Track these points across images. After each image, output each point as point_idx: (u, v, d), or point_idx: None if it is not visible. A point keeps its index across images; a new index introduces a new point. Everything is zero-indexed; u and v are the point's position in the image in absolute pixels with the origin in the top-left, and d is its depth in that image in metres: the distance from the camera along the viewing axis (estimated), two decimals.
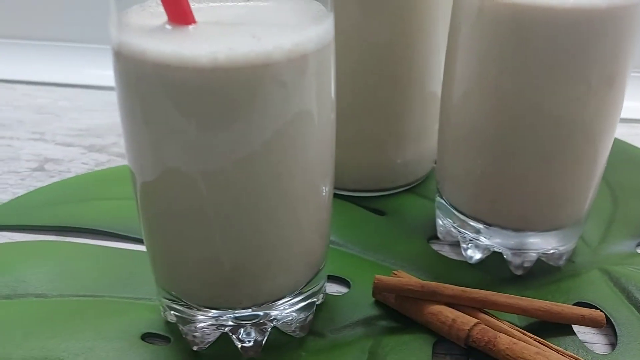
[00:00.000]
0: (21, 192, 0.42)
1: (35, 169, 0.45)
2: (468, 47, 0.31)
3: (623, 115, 0.55)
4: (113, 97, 0.59)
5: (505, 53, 0.29)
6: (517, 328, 0.29)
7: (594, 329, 0.31)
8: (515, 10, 0.27)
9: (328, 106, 0.27)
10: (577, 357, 0.27)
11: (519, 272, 0.34)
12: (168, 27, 0.24)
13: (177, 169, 0.24)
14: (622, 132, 0.52)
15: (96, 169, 0.46)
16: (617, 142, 0.49)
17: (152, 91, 0.23)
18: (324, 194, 0.28)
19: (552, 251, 0.34)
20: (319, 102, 0.25)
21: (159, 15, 0.24)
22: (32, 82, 0.61)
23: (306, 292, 0.30)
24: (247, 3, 0.27)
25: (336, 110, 0.38)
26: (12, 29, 0.64)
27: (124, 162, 0.47)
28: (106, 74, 0.58)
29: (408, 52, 0.38)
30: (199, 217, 0.25)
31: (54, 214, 0.39)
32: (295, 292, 0.29)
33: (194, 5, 0.25)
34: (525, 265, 0.34)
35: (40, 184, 0.43)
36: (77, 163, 0.46)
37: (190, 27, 0.24)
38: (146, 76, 0.22)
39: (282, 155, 0.24)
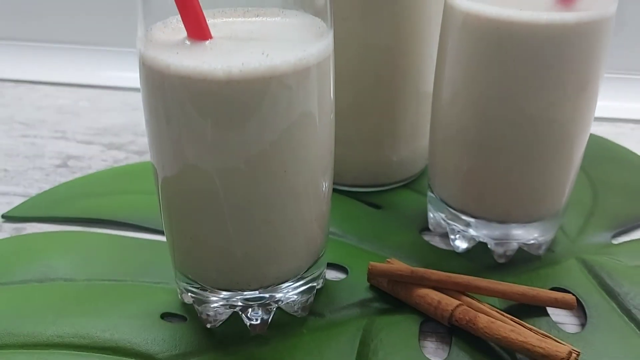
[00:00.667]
0: (47, 187, 0.46)
1: (58, 166, 0.49)
2: (455, 56, 0.34)
3: (609, 115, 0.58)
4: (130, 98, 0.63)
5: (488, 63, 0.32)
6: (495, 309, 0.33)
7: (566, 310, 0.34)
8: (495, 25, 0.31)
9: (328, 108, 0.30)
10: (548, 334, 0.31)
11: (501, 261, 0.38)
12: (188, 42, 0.27)
13: (195, 165, 0.28)
14: (607, 131, 0.55)
15: (114, 165, 0.49)
16: (602, 140, 0.53)
17: (174, 99, 0.26)
18: (324, 188, 0.32)
19: (532, 241, 0.37)
20: (320, 106, 0.29)
21: (180, 30, 0.28)
22: (54, 82, 0.64)
23: (307, 277, 0.33)
24: (257, 19, 0.30)
25: (336, 112, 0.42)
26: (35, 32, 0.68)
27: (140, 159, 0.50)
28: (123, 76, 0.63)
29: (403, 56, 0.41)
30: (213, 209, 0.29)
31: (78, 206, 0.43)
32: (298, 277, 0.33)
33: (210, 21, 0.29)
34: (508, 254, 0.38)
35: (63, 180, 0.47)
36: (97, 160, 0.50)
37: (207, 42, 0.27)
38: (170, 86, 0.26)
39: (287, 153, 0.28)
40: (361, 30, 0.40)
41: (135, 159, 0.50)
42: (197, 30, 0.27)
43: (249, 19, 0.30)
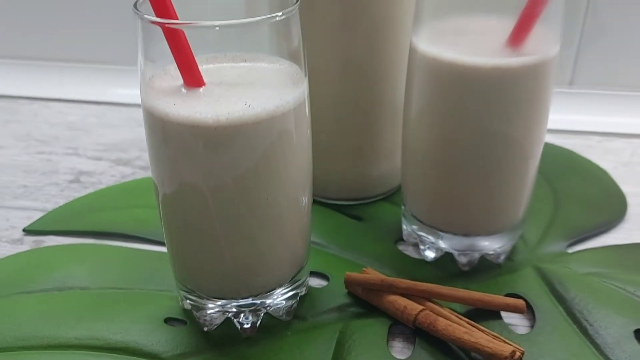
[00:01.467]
0: (62, 201, 0.51)
1: (71, 181, 0.54)
2: (419, 90, 0.39)
3: (578, 128, 0.63)
4: (135, 114, 0.68)
5: (446, 98, 0.37)
6: (454, 313, 0.37)
7: (517, 314, 0.39)
8: (450, 68, 0.35)
9: (305, 141, 0.35)
10: (498, 335, 0.35)
11: (465, 269, 0.42)
12: (184, 90, 0.32)
13: (189, 192, 0.32)
14: (576, 143, 0.60)
15: (122, 180, 0.54)
16: (568, 153, 0.57)
17: (172, 139, 0.31)
18: (303, 207, 0.37)
19: (492, 252, 0.42)
20: (297, 141, 0.33)
21: (177, 77, 0.33)
22: (64, 99, 0.69)
23: (292, 285, 0.38)
24: (244, 64, 0.35)
25: (320, 132, 0.47)
26: (47, 52, 0.73)
27: (145, 173, 0.55)
28: (128, 93, 0.68)
29: (380, 80, 0.46)
30: (206, 230, 0.34)
31: (91, 221, 0.48)
32: (283, 285, 0.37)
33: (203, 67, 0.34)
34: (471, 263, 0.42)
35: (77, 194, 0.52)
36: (107, 175, 0.55)
37: (201, 89, 0.32)
38: (168, 129, 0.31)
39: (267, 183, 0.33)
40: (339, 42, 0.44)
41: (141, 174, 0.55)
42: (192, 79, 0.32)
43: (237, 64, 0.35)
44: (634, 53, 0.63)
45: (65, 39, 0.72)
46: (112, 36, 0.70)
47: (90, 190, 0.53)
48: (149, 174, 0.55)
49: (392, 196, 0.51)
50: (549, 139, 0.60)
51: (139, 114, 0.65)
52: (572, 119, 0.62)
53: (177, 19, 0.31)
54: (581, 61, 0.64)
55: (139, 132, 0.62)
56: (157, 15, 0.31)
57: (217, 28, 0.30)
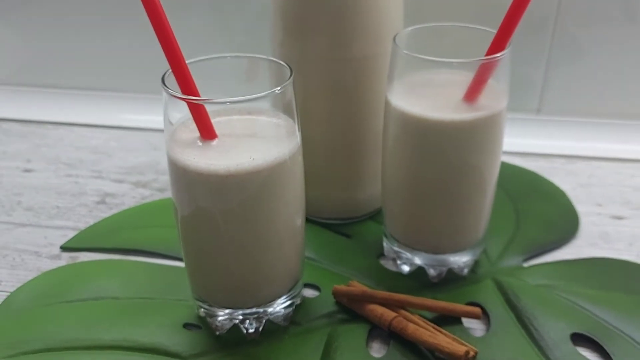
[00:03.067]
0: (91, 221, 0.59)
1: (98, 202, 0.62)
2: (392, 134, 0.46)
3: (546, 151, 0.70)
4: (151, 138, 0.77)
5: (414, 143, 0.45)
6: (423, 319, 0.45)
7: (476, 320, 0.46)
8: (416, 120, 0.43)
9: (298, 180, 0.42)
10: (457, 338, 0.43)
11: (435, 280, 0.50)
12: (200, 143, 0.40)
13: (204, 215, 0.40)
14: (541, 166, 0.67)
15: (142, 201, 0.62)
16: (533, 176, 0.65)
17: (191, 182, 0.39)
18: (298, 231, 0.44)
19: (457, 266, 0.50)
20: (292, 181, 0.41)
21: (195, 130, 0.40)
22: (87, 124, 0.77)
23: (289, 296, 0.46)
24: (248, 116, 0.42)
25: (313, 163, 0.54)
26: (71, 80, 0.81)
27: (162, 195, 0.63)
28: (144, 118, 0.76)
29: (364, 115, 0.53)
30: (218, 248, 0.41)
31: (118, 239, 0.56)
32: (282, 296, 0.45)
33: (215, 119, 0.42)
34: (439, 275, 0.50)
35: (103, 215, 0.60)
36: (128, 197, 0.63)
37: (214, 142, 0.40)
38: (188, 176, 0.39)
39: (270, 218, 0.40)
40: (328, 68, 0.50)
41: (158, 196, 0.63)
42: (207, 134, 0.40)
43: (243, 117, 0.43)
44: (600, 80, 0.70)
45: (87, 68, 0.80)
46: (130, 65, 0.78)
47: (115, 210, 0.61)
48: (165, 195, 0.63)
49: (377, 215, 0.59)
50: (516, 160, 0.68)
51: (153, 137, 0.75)
52: (538, 143, 0.70)
53: (197, 90, 0.39)
54: (548, 89, 0.71)
55: (154, 156, 0.70)
56: (181, 88, 0.39)
57: (228, 103, 0.38)
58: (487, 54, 0.41)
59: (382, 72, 0.50)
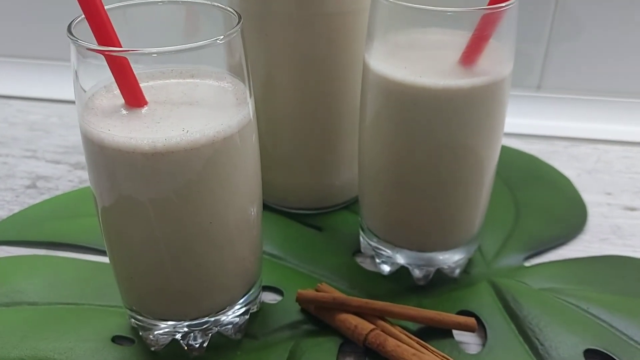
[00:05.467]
0: (17, 208, 0.50)
1: (28, 187, 0.53)
2: (371, 107, 0.38)
3: (544, 133, 0.62)
4: None
5: (397, 117, 0.36)
6: (405, 332, 0.37)
7: (469, 332, 0.38)
8: (401, 88, 0.35)
9: (251, 161, 0.34)
10: (447, 357, 0.35)
11: (421, 283, 0.42)
12: (124, 111, 0.31)
13: (130, 204, 0.31)
14: (541, 149, 0.59)
15: (80, 186, 0.53)
16: (533, 160, 0.57)
17: (109, 164, 0.30)
18: (251, 230, 0.36)
19: (446, 266, 0.42)
20: (243, 163, 0.33)
21: (118, 96, 0.31)
22: (27, 97, 0.68)
23: (242, 303, 0.38)
24: (191, 80, 0.34)
25: (280, 139, 0.46)
26: (8, 47, 0.71)
27: None
28: None
29: (341, 82, 0.45)
30: (150, 246, 0.32)
31: (44, 230, 0.47)
32: (233, 304, 0.37)
33: (149, 83, 0.33)
34: (426, 277, 0.42)
35: (32, 201, 0.51)
36: (64, 181, 0.54)
37: (143, 110, 0.31)
38: (103, 153, 0.30)
39: (211, 208, 0.32)
40: (297, 39, 0.42)
41: None
42: (133, 100, 0.31)
43: (184, 80, 0.34)
44: (604, 56, 0.63)
45: (31, 33, 0.70)
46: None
47: (46, 196, 0.52)
48: None
49: (353, 205, 0.51)
50: (514, 143, 0.60)
51: None
52: (538, 124, 0.62)
53: (118, 40, 0.30)
54: (549, 65, 0.63)
55: None
56: (98, 39, 0.30)
57: (154, 55, 0.29)
58: (490, 4, 0.33)
59: (361, 33, 0.41)
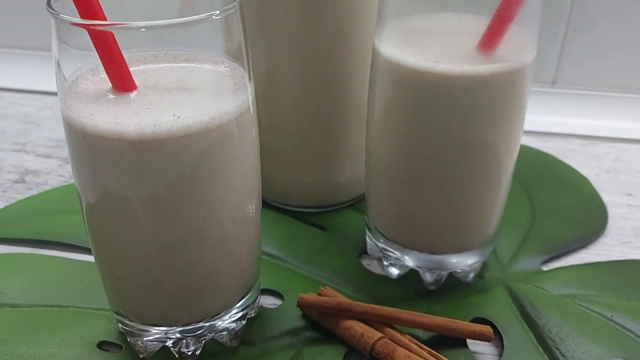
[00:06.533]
0: (3, 204, 0.47)
1: (16, 181, 0.50)
2: (381, 97, 0.35)
3: (559, 130, 0.59)
4: None
5: (410, 107, 0.33)
6: (415, 342, 0.34)
7: (485, 342, 0.36)
8: (413, 74, 0.32)
9: (250, 152, 0.31)
10: None
11: (432, 288, 0.39)
12: (111, 95, 0.28)
13: (118, 199, 0.28)
14: (556, 147, 0.57)
15: (70, 181, 0.50)
16: (549, 159, 0.54)
17: (92, 154, 0.27)
18: (251, 214, 0.33)
19: (459, 270, 0.39)
20: (241, 154, 0.30)
21: (106, 80, 0.29)
22: (19, 89, 0.65)
23: (239, 307, 0.35)
24: (186, 64, 0.31)
25: (282, 134, 0.43)
26: (0, 38, 0.68)
27: None
28: None
29: (344, 81, 0.42)
30: (140, 245, 0.30)
31: (30, 227, 0.44)
32: (229, 308, 0.34)
33: (140, 67, 0.30)
34: (438, 281, 0.39)
35: (20, 197, 0.48)
36: (54, 175, 0.51)
37: (132, 95, 0.28)
38: (86, 142, 0.27)
39: (205, 202, 0.29)
40: (301, 29, 0.40)
41: None
42: (121, 83, 0.28)
43: (178, 64, 0.31)
44: (621, 51, 0.60)
45: (25, 24, 0.68)
46: None
47: (35, 191, 0.49)
48: None
49: (359, 203, 0.48)
50: (529, 141, 0.57)
51: None
52: (553, 121, 0.59)
53: (103, 14, 0.28)
54: (565, 59, 0.60)
55: None
56: (80, 11, 0.27)
57: (143, 29, 0.26)
58: None
59: (370, 19, 0.39)
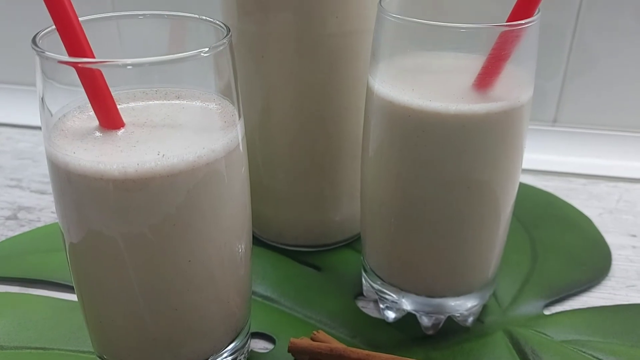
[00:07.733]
0: None
1: (8, 218, 0.49)
2: (376, 134, 0.34)
3: (563, 169, 0.59)
4: None
5: (403, 145, 0.33)
6: None
7: None
8: (407, 112, 0.31)
9: (238, 181, 0.30)
10: None
11: (429, 332, 0.38)
12: (97, 134, 0.28)
13: (101, 240, 0.27)
14: (558, 186, 0.56)
15: None
16: (550, 198, 0.53)
17: (75, 193, 0.27)
18: (239, 254, 0.32)
19: (458, 314, 0.38)
20: (228, 185, 0.29)
21: (93, 118, 0.28)
22: (17, 125, 0.65)
23: (228, 352, 0.33)
24: (176, 102, 0.30)
25: (276, 172, 0.42)
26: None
27: None
28: None
29: (339, 118, 0.41)
30: (122, 288, 0.29)
31: (19, 265, 0.43)
32: (218, 353, 0.33)
33: (129, 105, 0.30)
34: (435, 326, 0.38)
35: (11, 233, 0.47)
36: (47, 212, 0.50)
37: (118, 133, 0.28)
38: (69, 180, 0.26)
39: (190, 244, 0.28)
40: (296, 68, 0.39)
41: None
42: (107, 119, 0.28)
43: (169, 102, 0.30)
44: (622, 89, 0.60)
45: (23, 60, 0.68)
46: None
47: (27, 228, 0.48)
48: None
49: (355, 243, 0.47)
50: (529, 180, 0.56)
51: None
52: (554, 160, 0.58)
53: (91, 52, 0.27)
54: (566, 97, 0.60)
55: None
56: (68, 49, 0.27)
57: (129, 67, 0.25)
58: (509, 20, 0.30)
59: (364, 56, 0.38)
